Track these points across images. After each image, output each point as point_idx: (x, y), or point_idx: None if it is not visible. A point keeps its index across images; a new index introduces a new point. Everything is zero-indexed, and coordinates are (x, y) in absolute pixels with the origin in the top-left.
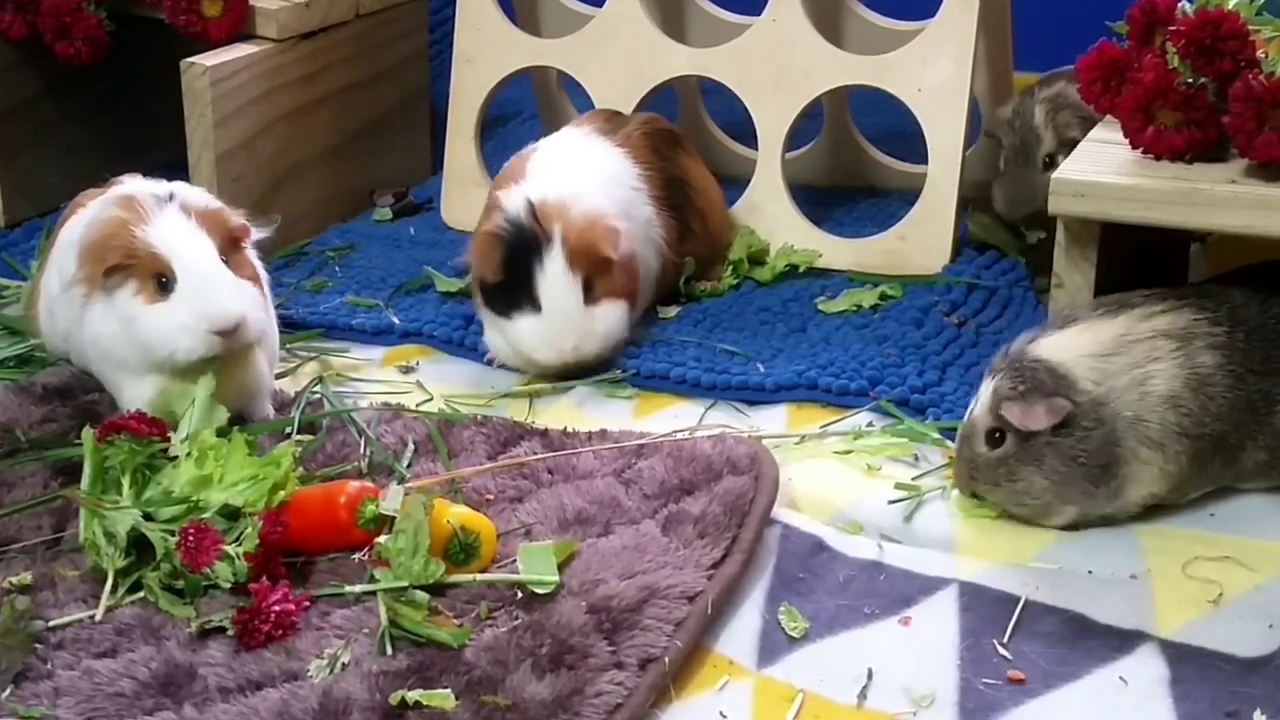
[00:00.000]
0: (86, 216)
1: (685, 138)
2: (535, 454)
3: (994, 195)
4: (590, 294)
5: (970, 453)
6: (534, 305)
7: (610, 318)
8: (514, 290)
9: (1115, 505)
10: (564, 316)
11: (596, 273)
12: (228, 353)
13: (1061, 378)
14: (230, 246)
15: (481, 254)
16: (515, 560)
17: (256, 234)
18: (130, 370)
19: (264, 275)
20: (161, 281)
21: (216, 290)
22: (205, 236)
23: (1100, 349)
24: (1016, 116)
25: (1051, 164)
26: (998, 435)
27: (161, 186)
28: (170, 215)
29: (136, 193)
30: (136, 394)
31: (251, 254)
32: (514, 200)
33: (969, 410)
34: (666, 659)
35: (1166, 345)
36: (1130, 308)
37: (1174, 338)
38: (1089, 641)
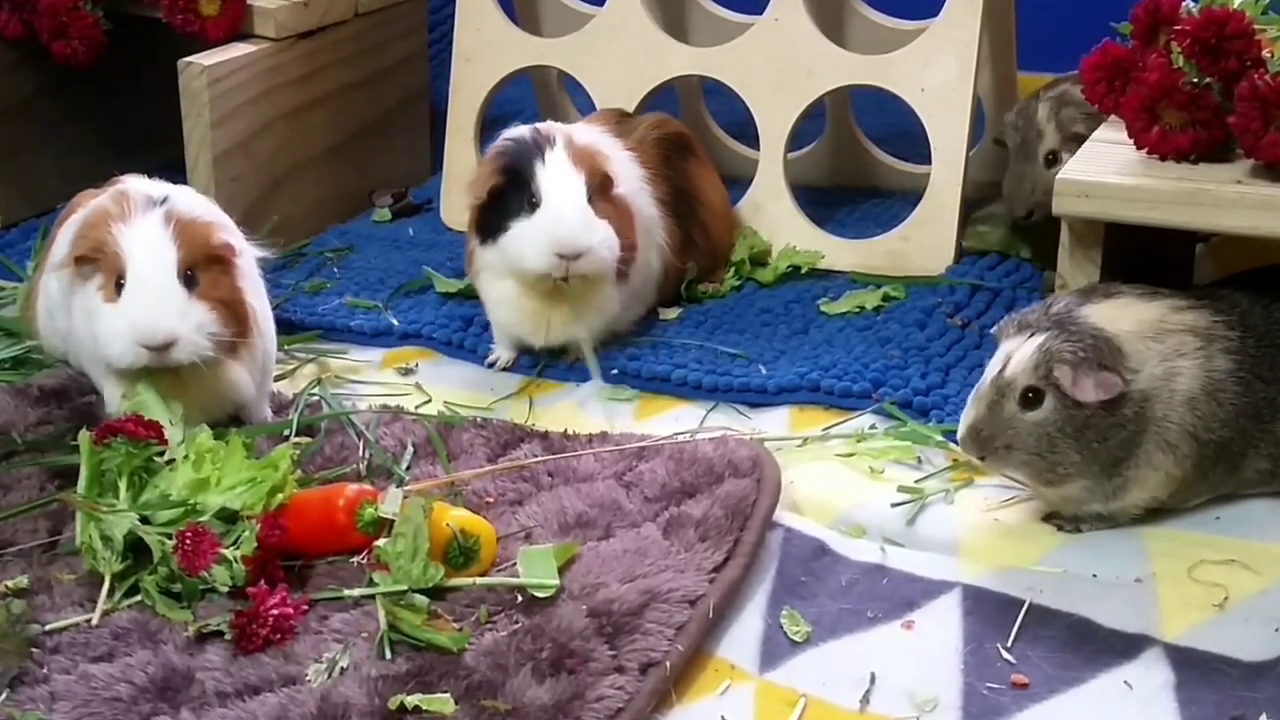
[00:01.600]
0: (89, 206)
1: (695, 140)
2: (535, 456)
3: (1004, 196)
4: (590, 202)
5: (999, 413)
6: (531, 206)
7: (609, 231)
8: (509, 198)
9: (1112, 505)
10: (565, 208)
11: (598, 186)
12: (161, 366)
13: (1116, 351)
14: (207, 263)
15: (480, 174)
16: (515, 564)
17: (254, 252)
18: (100, 368)
19: (253, 289)
20: (119, 283)
21: (151, 306)
22: (172, 248)
23: (1143, 329)
24: (1020, 116)
25: (1054, 160)
26: (1032, 396)
27: (161, 188)
28: (148, 220)
29: (133, 190)
30: (112, 394)
31: (241, 269)
32: (519, 129)
33: (994, 369)
34: (668, 663)
35: (1193, 342)
36: (1163, 296)
37: (1199, 336)
38: (1093, 646)
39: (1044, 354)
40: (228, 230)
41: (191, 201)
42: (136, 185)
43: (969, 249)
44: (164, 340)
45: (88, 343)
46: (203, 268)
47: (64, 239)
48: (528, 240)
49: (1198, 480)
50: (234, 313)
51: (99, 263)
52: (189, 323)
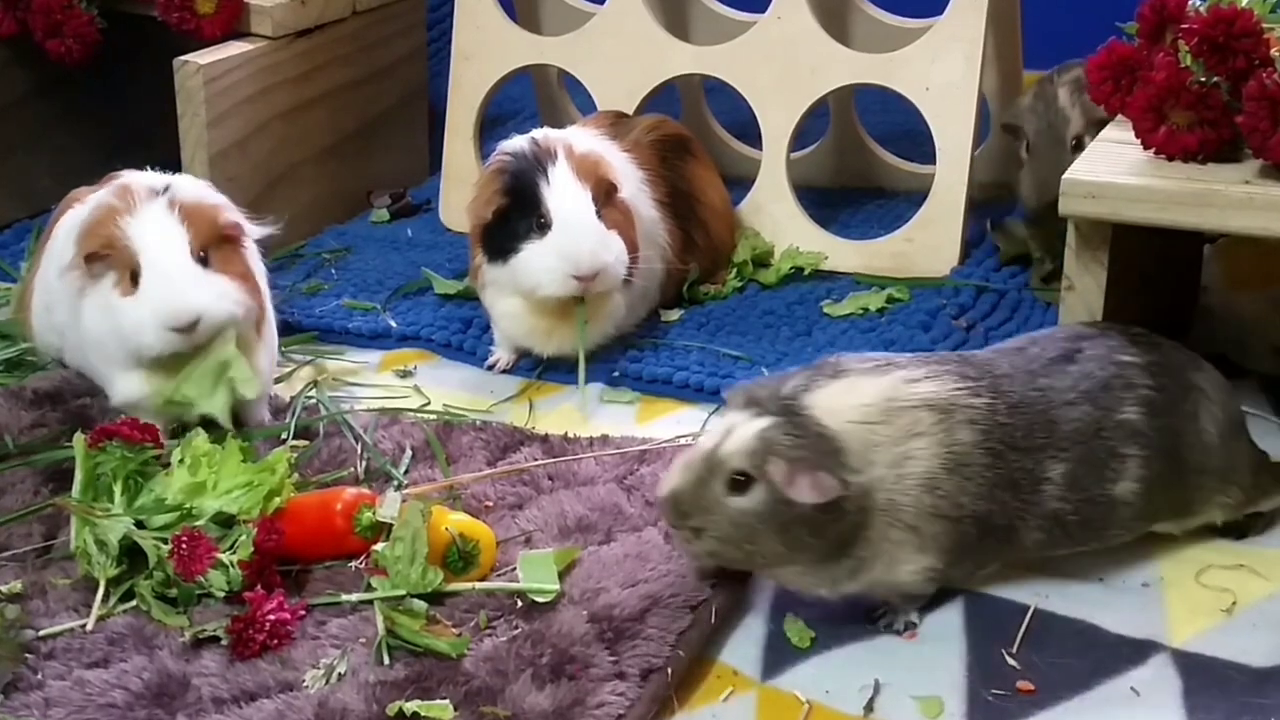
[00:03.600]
0: (90, 203)
1: (694, 140)
2: (535, 459)
3: (1019, 185)
4: (598, 214)
5: (705, 491)
6: (542, 227)
7: (620, 244)
8: (516, 218)
9: (848, 586)
10: (579, 229)
11: (603, 195)
12: (193, 347)
13: (836, 451)
14: (218, 243)
15: (482, 193)
16: (515, 568)
17: (256, 231)
18: (118, 364)
19: (260, 274)
20: (134, 275)
21: (173, 287)
22: (182, 232)
23: (867, 415)
24: (1039, 101)
25: (1079, 146)
26: (741, 480)
27: (161, 179)
28: (154, 208)
29: (135, 183)
30: (126, 388)
31: (249, 252)
32: (516, 141)
33: (712, 439)
34: (669, 670)
35: (928, 418)
36: (898, 367)
37: (936, 409)
38: (1100, 651)
39: (763, 442)
40: (233, 211)
41: (193, 187)
42: (137, 178)
43: (1004, 255)
44: (190, 319)
45: (108, 341)
46: (214, 247)
47: (66, 239)
48: (543, 268)
49: (966, 555)
50: (251, 287)
51: (110, 258)
52: (210, 294)
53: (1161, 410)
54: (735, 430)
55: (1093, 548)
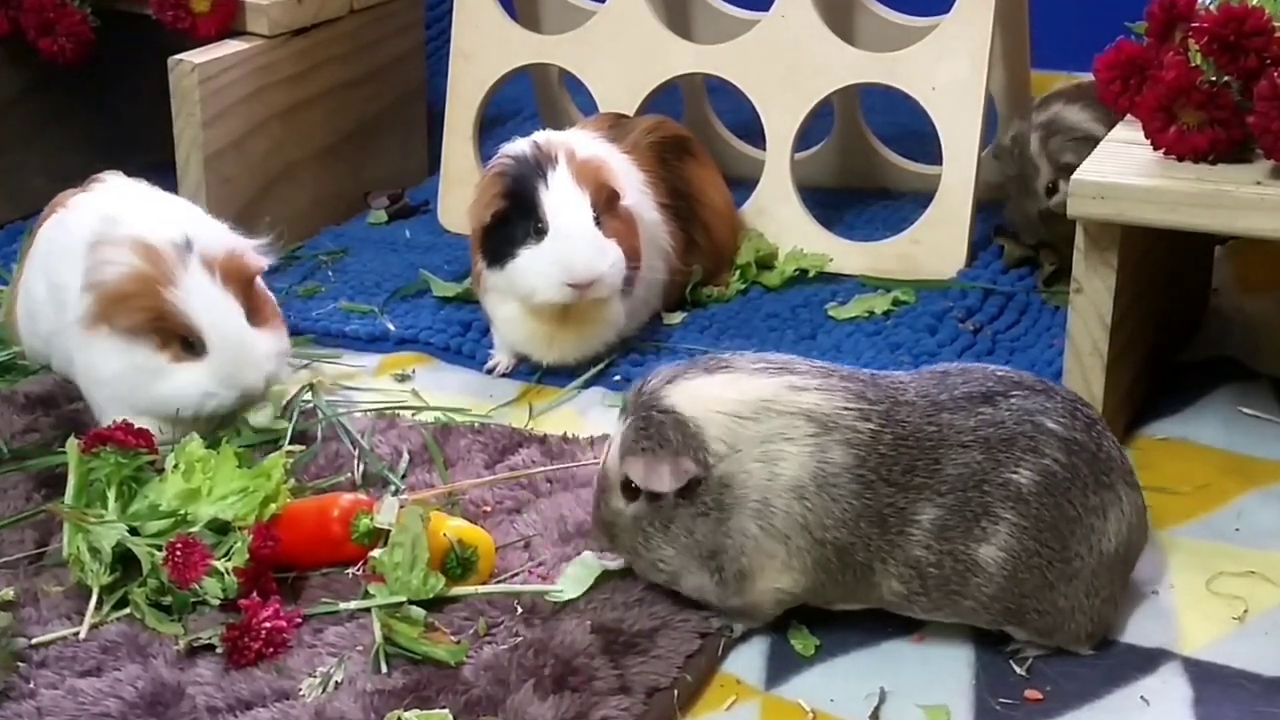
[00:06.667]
0: (96, 253)
1: (695, 141)
2: (534, 461)
3: (1007, 220)
4: (597, 221)
5: (608, 509)
6: (539, 233)
7: (618, 252)
8: (515, 222)
9: (742, 600)
10: (575, 236)
11: (603, 202)
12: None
13: (691, 435)
14: (249, 289)
15: (481, 196)
16: (514, 574)
17: (264, 262)
18: (129, 410)
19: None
20: (188, 343)
21: (246, 356)
22: (233, 299)
23: (739, 409)
24: (1015, 145)
25: (1054, 190)
26: (634, 487)
27: (175, 228)
28: (195, 274)
29: (155, 242)
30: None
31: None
32: (518, 144)
33: (603, 453)
34: (675, 691)
35: (805, 428)
36: (789, 373)
37: (815, 421)
38: (1109, 660)
39: (622, 444)
40: (247, 248)
41: (209, 234)
42: (151, 231)
43: (1009, 259)
44: (263, 385)
45: (134, 395)
46: (250, 298)
47: (55, 258)
48: (537, 273)
49: (828, 581)
50: (281, 324)
51: (160, 330)
52: (274, 356)
53: (1059, 490)
54: (611, 442)
55: (947, 618)
